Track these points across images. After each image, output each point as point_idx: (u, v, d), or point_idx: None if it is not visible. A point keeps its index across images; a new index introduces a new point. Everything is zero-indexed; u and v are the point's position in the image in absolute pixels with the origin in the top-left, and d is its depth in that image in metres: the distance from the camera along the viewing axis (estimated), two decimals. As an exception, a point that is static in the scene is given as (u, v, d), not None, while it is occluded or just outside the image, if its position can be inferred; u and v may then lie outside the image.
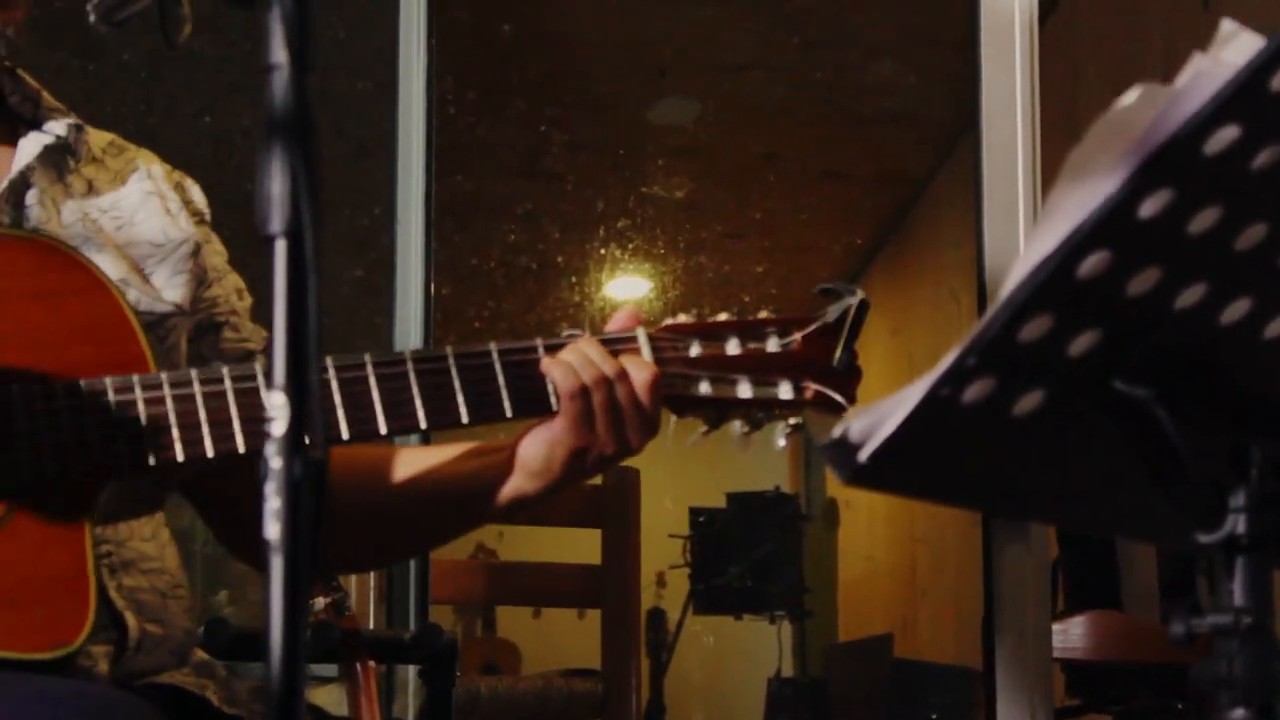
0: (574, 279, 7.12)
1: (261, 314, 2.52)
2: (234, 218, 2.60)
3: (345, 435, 2.22)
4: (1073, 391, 1.39)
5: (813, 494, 12.00)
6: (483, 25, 6.07)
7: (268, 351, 1.41)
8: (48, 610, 2.09)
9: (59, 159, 2.42)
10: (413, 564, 3.92)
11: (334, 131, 3.46)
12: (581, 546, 4.34)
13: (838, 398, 2.36)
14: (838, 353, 2.37)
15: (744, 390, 2.35)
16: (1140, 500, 1.49)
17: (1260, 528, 1.43)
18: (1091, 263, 1.30)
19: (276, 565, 1.33)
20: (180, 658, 2.35)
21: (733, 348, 2.35)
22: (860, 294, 2.37)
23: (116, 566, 2.25)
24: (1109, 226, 1.28)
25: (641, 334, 2.35)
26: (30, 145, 2.38)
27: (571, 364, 2.27)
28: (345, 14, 3.97)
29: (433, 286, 3.99)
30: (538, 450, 2.34)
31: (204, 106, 3.31)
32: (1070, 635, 4.54)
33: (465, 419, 2.26)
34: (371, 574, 4.15)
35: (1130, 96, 1.29)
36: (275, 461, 1.36)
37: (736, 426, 2.38)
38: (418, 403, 2.24)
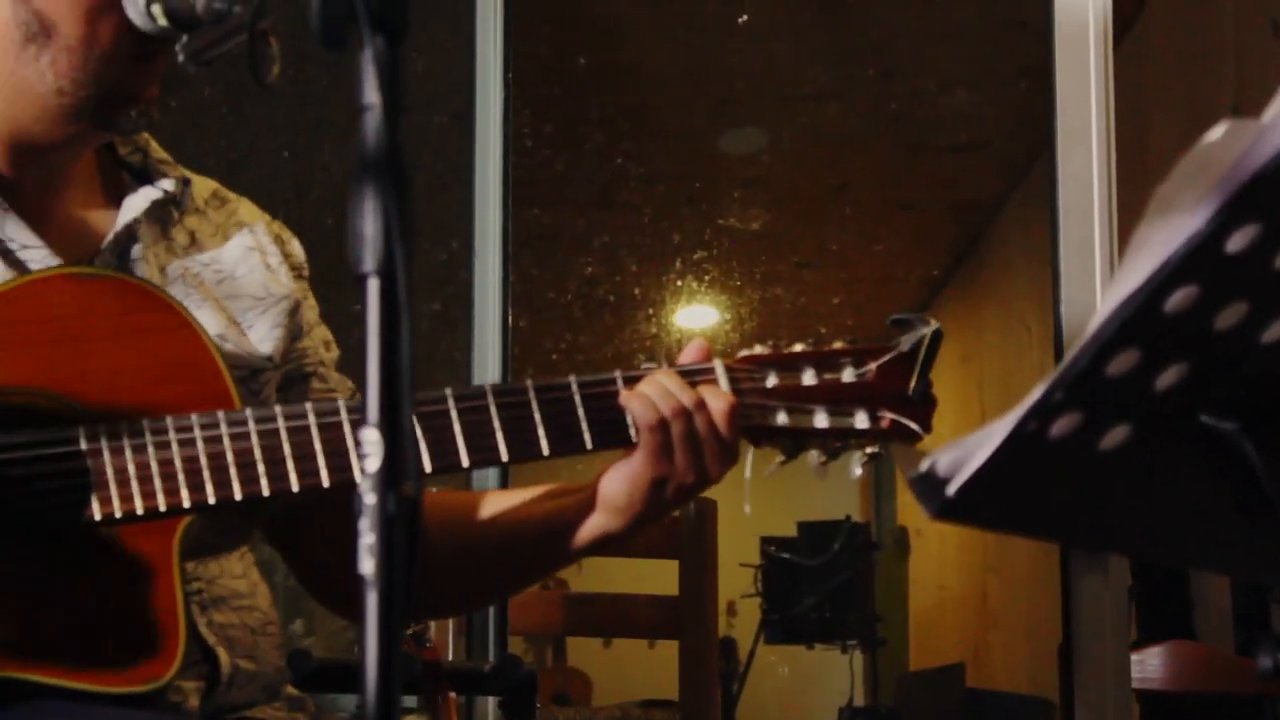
0: (650, 311, 7.14)
1: (351, 355, 2.54)
2: (314, 251, 2.62)
3: (429, 469, 2.24)
4: (1159, 425, 1.39)
5: (883, 522, 11.98)
6: (559, 59, 6.10)
7: (361, 389, 1.42)
8: (138, 644, 2.11)
9: (163, 212, 2.44)
10: (492, 595, 3.93)
11: (411, 165, 3.47)
12: (655, 577, 4.34)
13: (914, 426, 2.37)
14: (913, 382, 2.39)
15: (820, 420, 2.37)
16: (1225, 533, 1.49)
17: (1347, 561, 1.43)
18: (1179, 297, 1.30)
19: (371, 600, 1.35)
20: (271, 693, 2.37)
21: (809, 378, 2.37)
22: (934, 324, 2.38)
23: (207, 603, 2.28)
24: (1196, 261, 1.28)
25: (719, 365, 2.36)
26: (138, 200, 2.40)
27: (650, 396, 2.29)
28: (423, 48, 4.00)
29: (510, 319, 4.01)
30: (618, 485, 2.35)
31: (284, 142, 3.34)
32: (1147, 665, 4.51)
33: (546, 451, 2.28)
34: (451, 606, 4.17)
35: (1216, 132, 1.29)
36: (369, 497, 1.37)
37: (813, 456, 2.40)
38: (499, 435, 2.26)
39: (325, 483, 2.19)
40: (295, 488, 2.18)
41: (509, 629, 4.00)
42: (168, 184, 2.43)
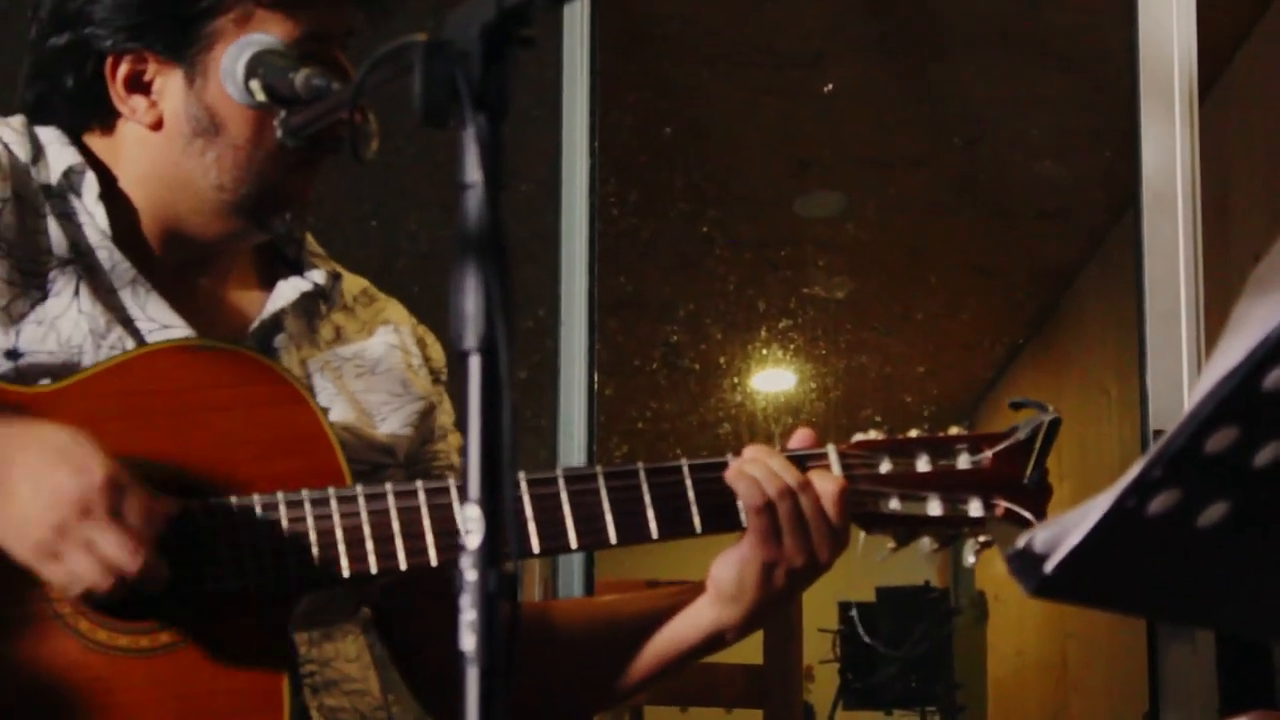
0: (735, 379, 7.15)
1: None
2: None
3: (536, 549, 2.24)
4: (1257, 502, 1.39)
5: (962, 587, 11.91)
6: (645, 127, 6.14)
7: (462, 464, 1.43)
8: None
9: (312, 305, 2.46)
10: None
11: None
12: (736, 647, 4.33)
13: (1028, 515, 2.34)
14: (1029, 470, 2.36)
15: (934, 508, 2.34)
16: (1323, 610, 1.49)
17: None
18: (1277, 375, 1.30)
19: (472, 677, 1.35)
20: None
21: (923, 464, 2.35)
22: (1053, 412, 2.36)
23: (319, 686, 2.28)
24: (1297, 340, 1.28)
25: (832, 450, 2.34)
26: (288, 290, 2.43)
27: (756, 476, 2.26)
28: (510, 117, 4.02)
29: (596, 386, 4.02)
30: (729, 572, 2.33)
31: (370, 211, 3.37)
32: (1233, 735, 4.47)
33: (655, 534, 2.27)
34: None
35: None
36: (470, 574, 1.38)
37: (925, 543, 2.37)
38: (608, 517, 2.25)
39: (433, 561, 2.19)
40: (403, 565, 2.19)
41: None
42: (318, 276, 2.45)
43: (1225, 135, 6.47)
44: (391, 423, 2.45)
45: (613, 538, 2.26)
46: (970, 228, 7.54)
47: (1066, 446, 9.14)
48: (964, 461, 2.36)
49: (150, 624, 2.12)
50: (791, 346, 7.00)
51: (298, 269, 2.47)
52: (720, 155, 6.69)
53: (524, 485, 2.22)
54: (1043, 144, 6.94)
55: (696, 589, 2.38)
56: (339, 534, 2.17)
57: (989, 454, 2.36)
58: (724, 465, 2.29)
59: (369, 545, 2.17)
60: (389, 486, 2.20)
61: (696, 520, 2.28)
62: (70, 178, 2.33)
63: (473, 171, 1.45)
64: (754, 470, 2.27)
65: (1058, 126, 6.84)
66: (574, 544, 2.26)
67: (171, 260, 2.38)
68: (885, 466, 2.34)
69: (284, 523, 2.16)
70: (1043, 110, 6.74)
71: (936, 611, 9.91)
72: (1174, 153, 4.10)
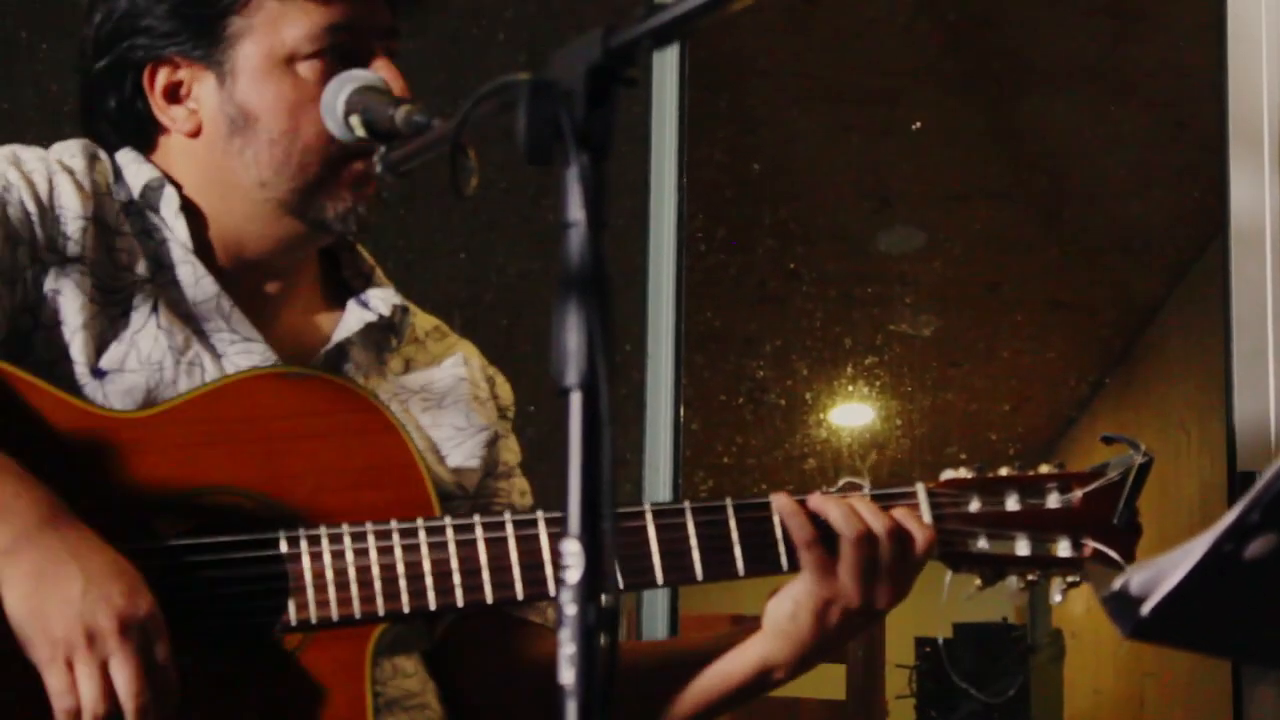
0: (821, 415, 7.15)
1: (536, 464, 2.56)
2: (488, 353, 2.65)
3: (621, 585, 2.25)
4: (1355, 548, 1.39)
5: (1039, 623, 11.84)
6: (733, 163, 6.16)
7: (563, 501, 1.44)
8: None
9: (381, 337, 2.48)
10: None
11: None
12: (818, 681, 4.33)
13: (1116, 557, 2.34)
14: (1118, 511, 2.35)
15: (1022, 548, 2.34)
16: None
17: None
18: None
19: (571, 711, 1.36)
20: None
21: (1012, 504, 2.35)
22: (1146, 453, 2.35)
23: (381, 706, 2.28)
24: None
25: (921, 489, 2.34)
26: (352, 320, 2.45)
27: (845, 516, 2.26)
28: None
29: (682, 421, 4.02)
30: (784, 606, 2.33)
31: (459, 244, 3.40)
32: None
33: (741, 571, 2.27)
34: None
35: None
36: (570, 608, 1.39)
37: (1013, 583, 2.36)
38: (695, 554, 2.26)
39: (519, 595, 2.21)
40: (489, 599, 2.20)
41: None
42: (383, 308, 2.47)
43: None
44: (456, 456, 2.46)
45: (699, 574, 2.26)
46: (1052, 262, 7.52)
47: (1148, 484, 9.08)
48: (1054, 501, 2.35)
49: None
50: (877, 383, 6.99)
51: (365, 302, 2.48)
52: (807, 191, 6.70)
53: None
54: (1125, 179, 6.92)
55: (753, 627, 2.37)
56: (426, 566, 2.18)
57: (1079, 494, 2.35)
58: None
59: (456, 579, 2.18)
60: (478, 519, 2.21)
61: (783, 557, 2.28)
62: (148, 194, 2.37)
63: (575, 210, 1.45)
64: (831, 509, 2.27)
65: (1140, 162, 6.82)
66: (660, 580, 2.26)
67: (241, 276, 2.41)
68: (974, 505, 2.34)
69: (372, 553, 2.17)
70: (1126, 146, 6.72)
71: (1014, 649, 9.86)
72: (1262, 191, 4.08)
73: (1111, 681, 10.22)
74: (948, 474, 2.36)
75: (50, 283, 2.24)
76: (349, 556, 2.16)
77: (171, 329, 2.28)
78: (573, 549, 1.41)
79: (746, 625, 2.39)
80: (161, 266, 2.34)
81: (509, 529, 2.21)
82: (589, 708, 1.37)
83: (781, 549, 2.28)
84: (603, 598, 1.41)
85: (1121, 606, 1.41)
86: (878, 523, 2.27)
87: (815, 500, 2.28)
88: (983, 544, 2.34)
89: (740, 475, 6.84)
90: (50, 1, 3.94)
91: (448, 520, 2.20)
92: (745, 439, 7.00)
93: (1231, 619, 1.46)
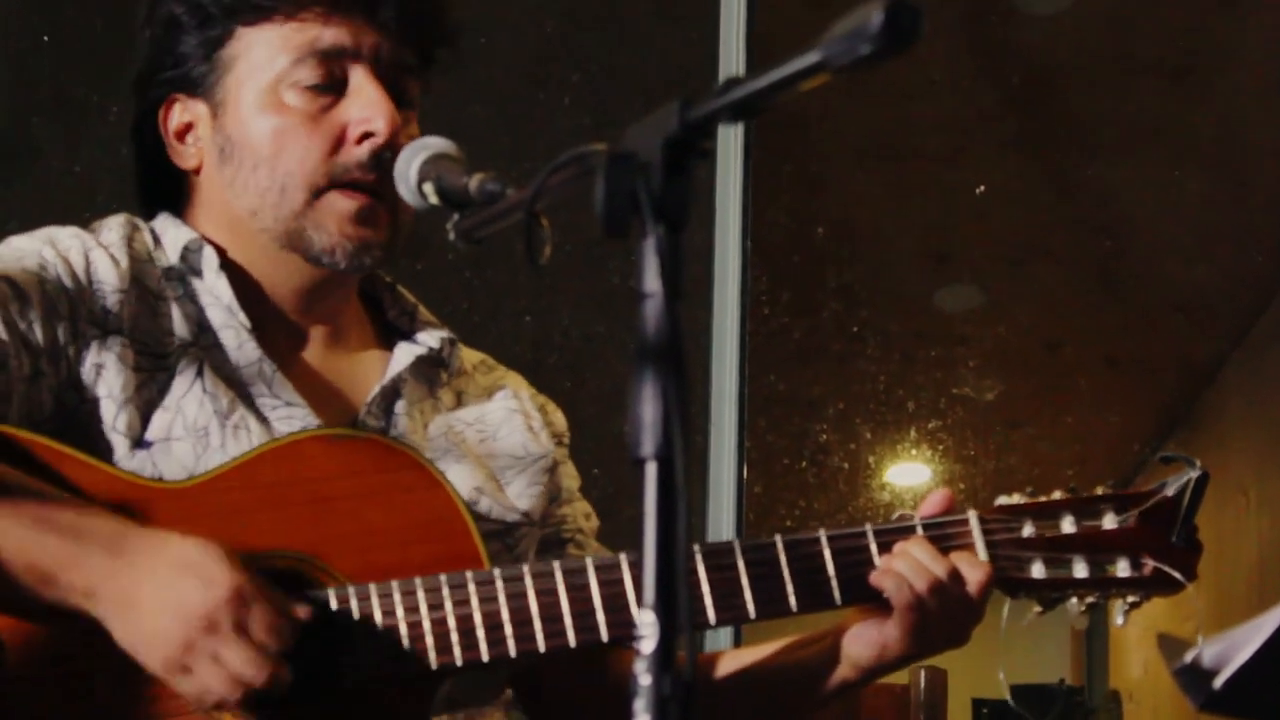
0: (884, 479, 7.14)
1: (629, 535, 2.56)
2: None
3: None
4: None
5: (1095, 685, 11.77)
6: (797, 227, 6.18)
7: (636, 570, 1.44)
8: None
9: (431, 372, 2.51)
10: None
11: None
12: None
13: (1177, 575, 2.33)
14: (1176, 528, 2.34)
15: (1080, 570, 2.33)
16: None
17: None
18: None
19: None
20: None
21: (1067, 526, 2.34)
22: (1200, 467, 2.35)
23: None
24: None
25: (973, 517, 2.34)
26: (403, 356, 2.47)
27: (904, 574, 2.27)
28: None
29: (745, 484, 4.02)
30: (868, 651, 2.34)
31: (524, 306, 3.41)
32: None
33: (794, 608, 2.28)
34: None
35: None
36: (644, 679, 1.39)
37: (1073, 605, 2.35)
38: (747, 594, 2.26)
39: (571, 643, 2.21)
40: (542, 648, 2.20)
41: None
42: (432, 340, 2.50)
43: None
44: (517, 484, 2.49)
45: (751, 613, 2.27)
46: (1113, 323, 7.51)
47: (1207, 545, 9.02)
48: (1110, 521, 2.34)
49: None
50: (940, 446, 6.99)
51: (413, 338, 2.51)
52: (870, 254, 6.71)
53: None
54: (1186, 241, 6.91)
55: (831, 635, 2.39)
56: (477, 618, 2.18)
57: (1135, 513, 2.35)
58: (861, 534, 2.31)
59: (507, 629, 2.18)
60: (525, 569, 2.22)
61: (837, 594, 2.29)
62: (188, 256, 2.39)
63: (652, 281, 1.46)
64: (900, 565, 2.28)
65: (1201, 224, 6.81)
66: (712, 620, 2.27)
67: (285, 324, 2.44)
68: (1028, 530, 2.34)
69: (422, 608, 2.17)
70: (1186, 208, 6.72)
71: (1072, 710, 9.80)
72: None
73: (1169, 745, 10.15)
74: (1001, 500, 2.36)
75: (93, 357, 2.26)
76: (400, 613, 2.17)
77: (216, 393, 2.30)
78: (648, 619, 1.41)
79: (821, 641, 2.41)
80: (204, 330, 2.36)
81: (558, 578, 2.21)
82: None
83: (834, 586, 2.28)
84: (681, 672, 1.41)
85: (1194, 679, 1.41)
86: (941, 568, 2.28)
87: (888, 557, 2.29)
88: (1038, 569, 2.33)
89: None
90: (120, 66, 3.98)
91: (496, 573, 2.21)
92: (808, 502, 7.00)
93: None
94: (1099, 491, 2.37)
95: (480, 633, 2.18)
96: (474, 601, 2.19)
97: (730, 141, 4.12)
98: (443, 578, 2.19)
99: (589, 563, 2.24)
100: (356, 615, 2.17)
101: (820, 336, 6.71)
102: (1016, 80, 6.15)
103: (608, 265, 3.94)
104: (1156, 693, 9.64)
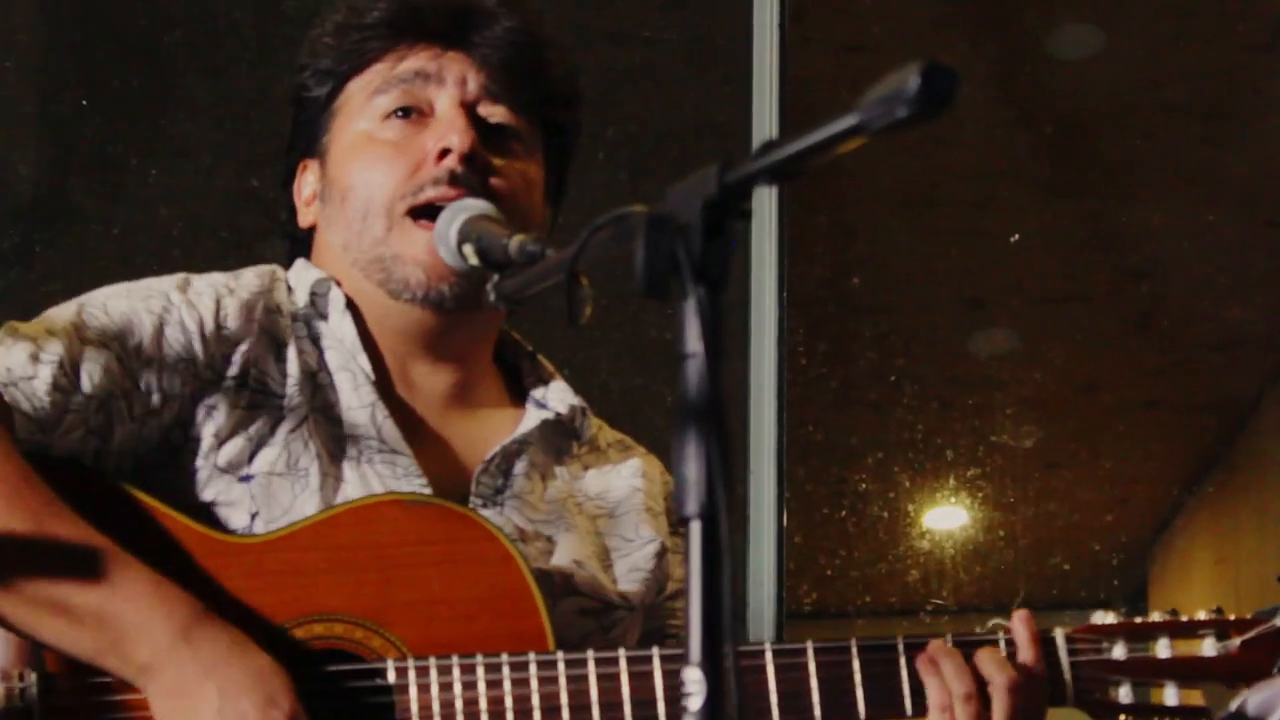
0: (924, 527, 7.13)
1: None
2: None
3: None
4: None
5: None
6: (833, 277, 6.19)
7: (684, 629, 1.45)
8: None
9: (562, 442, 2.52)
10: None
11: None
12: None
13: None
14: None
15: (1171, 697, 2.27)
16: None
17: None
18: None
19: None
20: None
21: (1163, 650, 2.28)
22: None
23: None
24: None
25: (1059, 635, 2.29)
26: (530, 418, 2.48)
27: (943, 675, 2.24)
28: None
29: (785, 534, 4.02)
30: None
31: (563, 359, 3.41)
32: None
33: (863, 715, 2.24)
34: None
35: None
36: (693, 738, 1.40)
37: None
38: (815, 695, 2.24)
39: None
40: None
41: None
42: (560, 406, 2.51)
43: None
44: (622, 566, 2.47)
45: (818, 716, 2.23)
46: (1150, 365, 7.51)
47: (1245, 584, 8.99)
48: (1209, 648, 2.27)
49: None
50: (979, 494, 6.98)
51: (543, 401, 2.52)
52: (905, 302, 6.72)
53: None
54: (1222, 282, 6.91)
55: None
56: (535, 700, 2.17)
57: (1238, 641, 2.26)
58: (892, 649, 2.27)
59: (564, 713, 2.17)
60: (591, 654, 2.20)
61: (907, 700, 2.25)
62: (316, 299, 2.43)
63: (694, 342, 1.47)
64: (944, 664, 2.24)
65: (1236, 265, 6.80)
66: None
67: (407, 369, 2.46)
68: (1119, 651, 2.28)
69: (480, 685, 2.17)
70: (1221, 249, 6.71)
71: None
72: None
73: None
74: (1097, 617, 2.30)
75: (209, 398, 2.30)
76: (457, 689, 2.16)
77: (321, 437, 2.33)
78: (694, 677, 1.42)
79: None
80: (320, 373, 2.39)
81: (622, 664, 2.20)
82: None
83: (905, 691, 2.25)
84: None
85: (1240, 729, 1.42)
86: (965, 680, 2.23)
87: (934, 648, 2.26)
88: (1126, 693, 2.27)
89: (844, 588, 6.84)
90: (159, 129, 4.02)
91: (560, 655, 2.19)
92: (848, 551, 6.98)
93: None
94: (1200, 615, 2.28)
95: (537, 715, 2.17)
96: (533, 683, 2.18)
97: (765, 193, 4.13)
98: (504, 656, 2.18)
99: (655, 651, 2.22)
100: (413, 689, 2.16)
101: (857, 386, 6.71)
102: (1049, 126, 6.16)
103: (645, 319, 3.95)
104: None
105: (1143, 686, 2.28)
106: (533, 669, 2.18)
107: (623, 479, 2.54)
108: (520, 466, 2.44)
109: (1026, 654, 2.25)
